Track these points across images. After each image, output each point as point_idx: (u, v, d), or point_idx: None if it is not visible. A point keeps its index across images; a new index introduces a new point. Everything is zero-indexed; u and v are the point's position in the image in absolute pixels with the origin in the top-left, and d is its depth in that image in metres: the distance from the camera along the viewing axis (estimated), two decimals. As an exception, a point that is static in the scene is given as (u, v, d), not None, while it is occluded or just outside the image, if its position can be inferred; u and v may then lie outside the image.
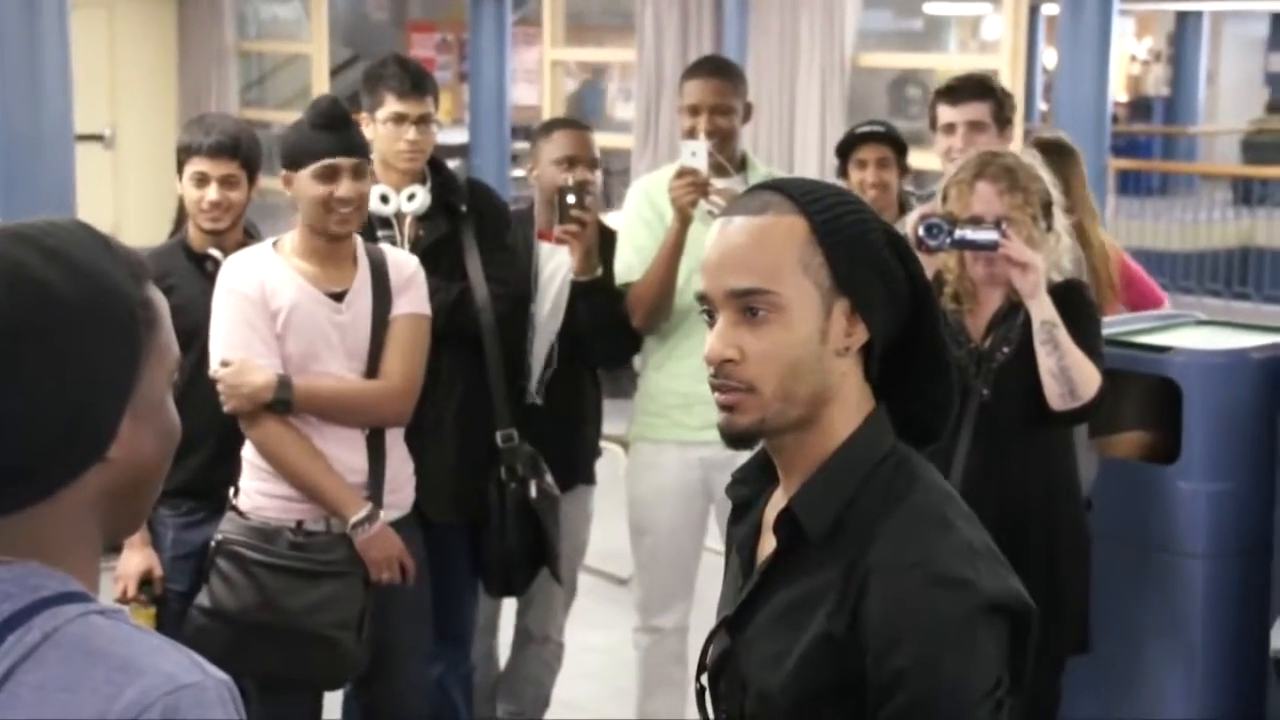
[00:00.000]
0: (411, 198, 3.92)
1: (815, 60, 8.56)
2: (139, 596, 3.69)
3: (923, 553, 1.65)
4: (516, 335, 4.05)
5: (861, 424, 1.74)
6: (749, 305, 1.70)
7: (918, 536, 1.66)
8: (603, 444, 4.61)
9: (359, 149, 3.46)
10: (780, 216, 1.72)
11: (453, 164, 4.79)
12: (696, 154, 3.97)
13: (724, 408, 1.72)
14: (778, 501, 1.78)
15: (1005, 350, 3.46)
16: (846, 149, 4.77)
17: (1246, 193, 15.00)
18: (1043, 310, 3.36)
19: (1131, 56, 20.94)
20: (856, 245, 1.72)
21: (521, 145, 10.95)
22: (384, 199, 3.90)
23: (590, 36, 13.60)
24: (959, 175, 3.49)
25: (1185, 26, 18.75)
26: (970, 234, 3.36)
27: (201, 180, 3.70)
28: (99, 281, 1.34)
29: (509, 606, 4.38)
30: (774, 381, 1.69)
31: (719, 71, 4.28)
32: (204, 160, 3.69)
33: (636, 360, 4.40)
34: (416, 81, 3.90)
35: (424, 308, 3.58)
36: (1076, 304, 3.47)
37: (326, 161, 3.40)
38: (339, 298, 3.48)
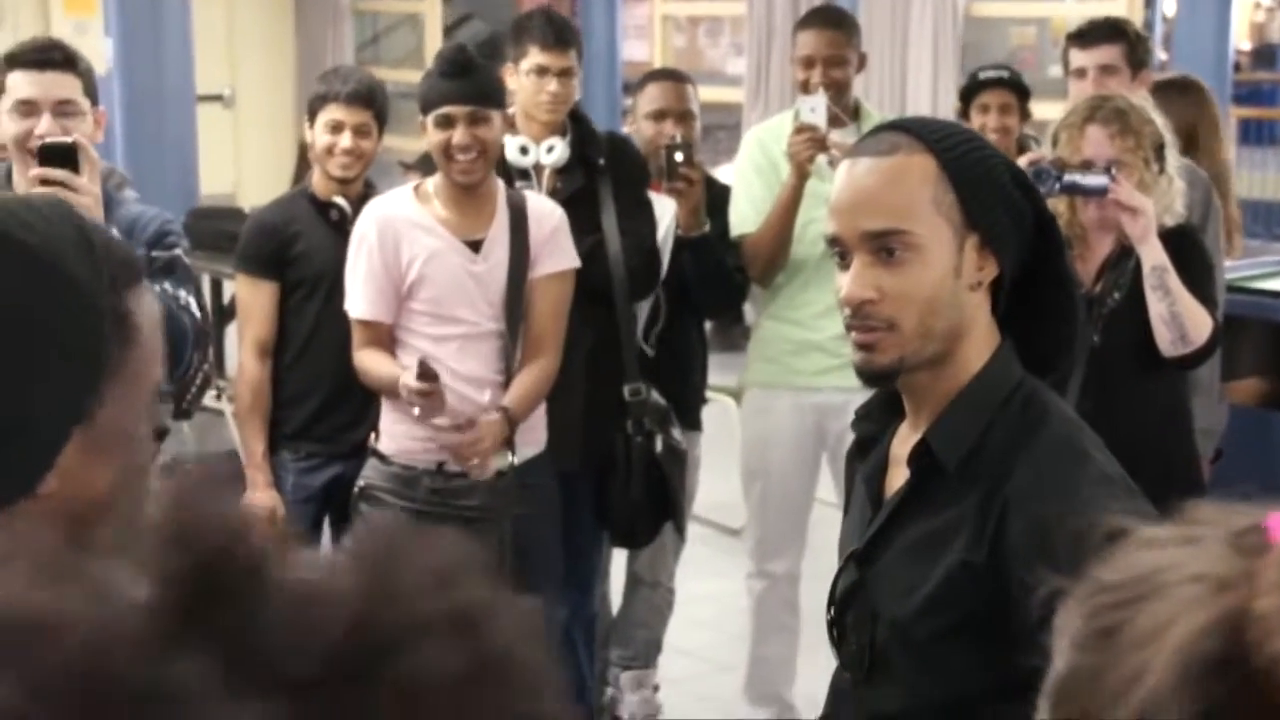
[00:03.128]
0: (550, 150, 3.94)
1: (928, 9, 8.49)
2: (263, 537, 3.79)
3: (1062, 482, 1.67)
4: (647, 290, 4.08)
5: (991, 357, 1.76)
6: (885, 246, 1.72)
7: (1055, 467, 1.69)
8: (712, 394, 4.65)
9: (479, 96, 3.46)
10: (910, 156, 1.73)
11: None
12: (815, 109, 3.97)
13: (862, 347, 1.74)
14: (905, 436, 1.82)
15: (1116, 296, 3.44)
16: (969, 93, 4.82)
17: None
18: (1153, 255, 3.34)
19: (1255, 3, 20.47)
20: (985, 181, 1.74)
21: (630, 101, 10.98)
22: (523, 150, 3.93)
23: (701, -10, 13.55)
24: (1069, 119, 3.46)
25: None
26: (1079, 179, 3.33)
27: (336, 128, 3.77)
28: (58, 282, 1.11)
29: (619, 552, 4.44)
30: (913, 319, 1.72)
31: (833, 22, 4.27)
32: (340, 108, 3.76)
33: (749, 311, 4.43)
34: (560, 34, 3.93)
35: (567, 262, 3.62)
36: (1189, 249, 3.43)
37: (442, 110, 3.45)
38: (476, 246, 3.52)
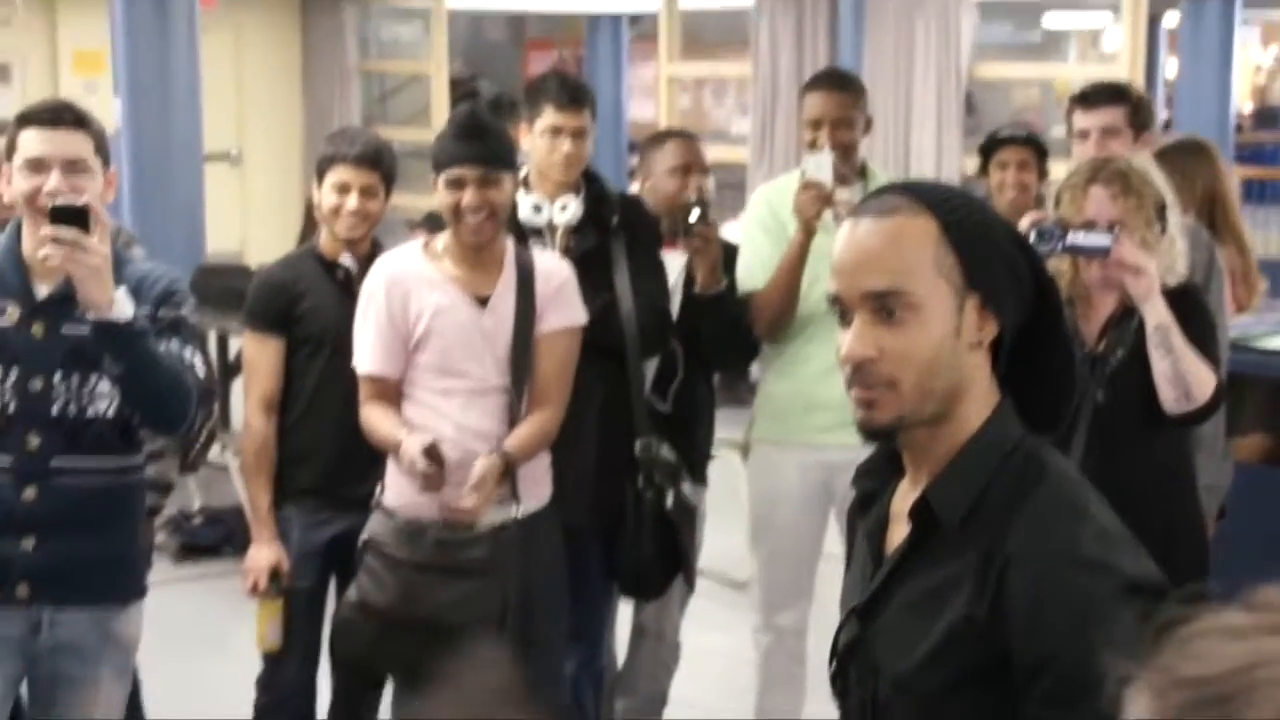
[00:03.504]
0: (564, 209, 3.97)
1: (931, 71, 8.56)
2: (268, 590, 3.80)
3: (1063, 538, 1.69)
4: (658, 348, 4.10)
5: (991, 415, 1.78)
6: (885, 306, 1.74)
7: (1057, 523, 1.70)
8: (716, 448, 4.67)
9: (490, 159, 3.49)
10: (911, 218, 1.76)
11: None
12: (821, 166, 3.99)
13: (863, 404, 1.76)
14: (906, 493, 1.83)
15: (1120, 353, 3.46)
16: (989, 150, 4.90)
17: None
18: (1157, 314, 3.35)
19: (1257, 66, 20.59)
20: (984, 242, 1.77)
21: (636, 161, 11.04)
22: (537, 209, 3.97)
23: (706, 52, 13.66)
24: (1072, 179, 3.49)
25: (1312, 34, 18.43)
26: (1082, 239, 3.35)
27: (343, 189, 3.80)
28: None
29: (625, 604, 4.44)
30: (913, 378, 1.74)
31: (840, 85, 4.30)
32: (347, 169, 3.79)
33: (754, 367, 4.44)
34: (575, 95, 3.97)
35: (575, 318, 3.64)
36: (1191, 307, 3.45)
37: (454, 171, 3.48)
38: (484, 301, 3.54)
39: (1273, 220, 13.95)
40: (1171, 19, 14.74)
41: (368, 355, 3.55)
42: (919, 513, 1.77)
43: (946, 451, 1.77)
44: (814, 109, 4.21)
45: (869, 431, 1.78)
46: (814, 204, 3.97)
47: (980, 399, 1.78)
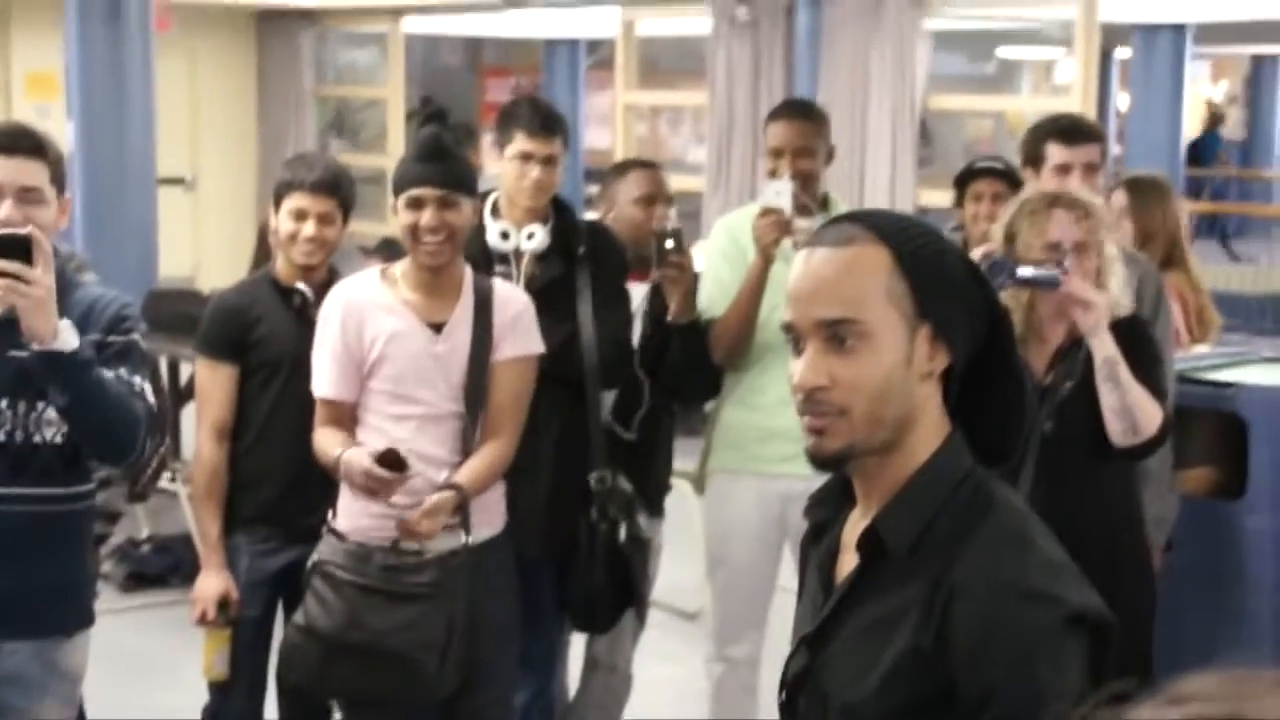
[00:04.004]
0: (530, 236, 3.97)
1: (886, 101, 8.61)
2: (216, 619, 3.78)
3: (1008, 569, 1.71)
4: (618, 379, 4.10)
5: (941, 445, 1.80)
6: (837, 334, 1.76)
7: (1002, 554, 1.72)
8: (672, 479, 4.67)
9: (450, 182, 3.50)
10: (864, 248, 1.78)
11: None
12: (780, 194, 4.01)
13: (813, 432, 1.78)
14: (856, 522, 1.85)
15: (1068, 385, 3.48)
16: (964, 181, 4.95)
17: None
18: (1105, 347, 3.38)
19: (1207, 100, 20.81)
20: (938, 273, 1.79)
21: (595, 189, 11.05)
22: (504, 235, 3.96)
23: (663, 80, 13.70)
24: (1029, 205, 3.50)
25: (1261, 70, 18.66)
26: (1032, 272, 3.36)
27: (300, 215, 3.79)
28: None
29: (578, 635, 4.43)
30: (864, 406, 1.75)
31: (803, 114, 4.32)
32: (305, 196, 3.78)
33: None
34: (546, 122, 3.96)
35: (531, 348, 3.63)
36: (1138, 340, 3.48)
37: (413, 192, 3.49)
38: (439, 328, 3.54)
39: (1220, 252, 14.11)
40: (1124, 52, 14.89)
41: (324, 379, 3.55)
42: (868, 541, 1.78)
43: (896, 480, 1.79)
44: (776, 138, 4.22)
45: (819, 460, 1.79)
46: (772, 231, 3.98)
47: (930, 429, 1.80)
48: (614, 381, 4.06)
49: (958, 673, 1.68)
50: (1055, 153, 3.99)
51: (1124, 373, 3.37)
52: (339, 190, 3.81)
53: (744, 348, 4.16)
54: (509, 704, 3.79)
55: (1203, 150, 18.31)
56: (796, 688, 1.87)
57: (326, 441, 3.51)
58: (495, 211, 3.99)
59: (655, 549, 4.44)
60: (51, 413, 3.09)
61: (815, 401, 1.76)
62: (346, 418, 3.54)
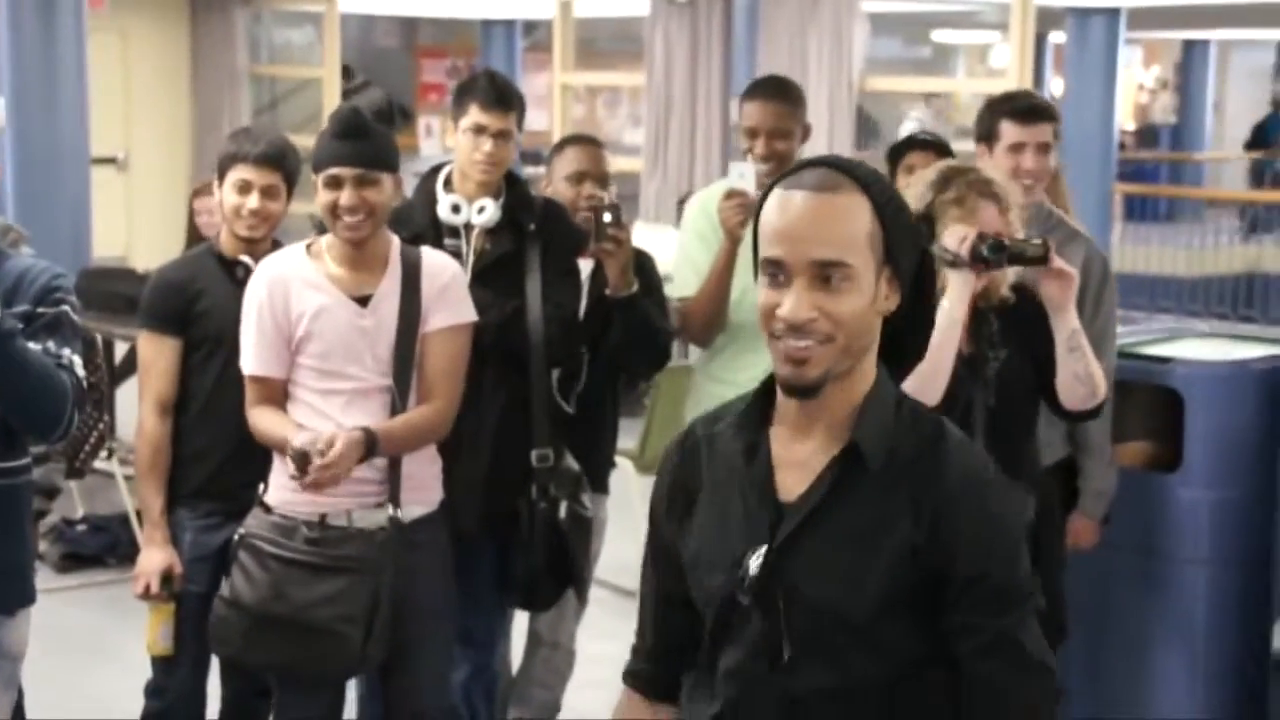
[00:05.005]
0: (481, 210, 3.93)
1: (824, 82, 8.65)
2: (160, 593, 3.76)
3: (988, 477, 2.03)
4: (564, 357, 4.09)
5: (879, 373, 2.03)
6: (825, 274, 1.94)
7: (975, 464, 2.02)
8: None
9: (368, 160, 3.48)
10: (851, 196, 1.96)
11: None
12: (744, 176, 4.00)
13: (794, 361, 1.96)
14: (790, 442, 2.04)
15: (996, 356, 3.51)
16: (897, 154, 4.97)
17: (1253, 219, 15.07)
18: (1071, 319, 3.43)
19: (1139, 85, 21.03)
20: (901, 222, 2.00)
21: (532, 170, 11.04)
22: (455, 209, 3.93)
23: (600, 62, 13.70)
24: (951, 193, 3.49)
25: (1192, 55, 18.86)
26: (1025, 249, 3.37)
27: (244, 188, 3.77)
28: None
29: (521, 612, 4.43)
30: (844, 338, 1.95)
31: (778, 94, 4.26)
32: (249, 168, 3.75)
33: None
34: (501, 96, 3.92)
35: (462, 316, 3.61)
36: (1039, 308, 3.52)
37: (331, 171, 3.47)
38: (366, 301, 3.52)
39: (1153, 236, 14.26)
40: (1058, 36, 15.01)
41: (252, 357, 3.53)
42: (845, 456, 1.98)
43: (845, 405, 2.00)
44: (750, 118, 4.19)
45: (799, 387, 1.97)
46: (737, 213, 3.98)
47: (871, 359, 2.02)
48: (560, 358, 4.05)
49: (953, 562, 1.95)
50: (1010, 131, 3.99)
51: (1083, 340, 3.44)
52: (283, 163, 3.79)
53: (715, 328, 4.17)
54: (444, 683, 3.77)
55: (1268, 132, 18.42)
56: (759, 590, 2.00)
57: (271, 422, 3.50)
58: (448, 185, 3.98)
59: (600, 525, 4.44)
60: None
61: (805, 331, 1.94)
62: (278, 395, 3.53)
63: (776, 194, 1.99)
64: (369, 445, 3.42)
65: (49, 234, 7.35)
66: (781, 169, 4.13)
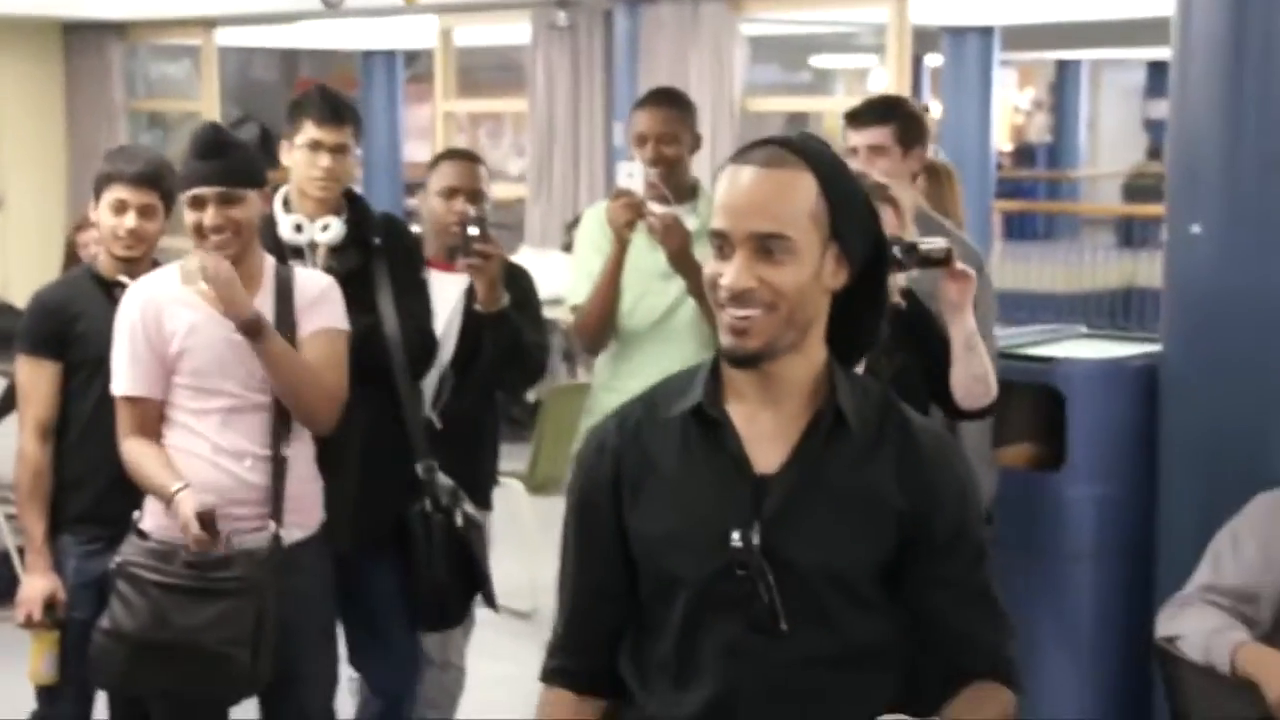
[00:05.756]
0: (325, 228, 3.91)
1: (705, 104, 8.70)
2: (43, 621, 3.69)
3: (949, 438, 2.20)
4: (424, 370, 4.07)
5: (828, 350, 2.09)
6: (766, 246, 2.00)
7: (936, 428, 2.18)
8: (501, 478, 4.64)
9: (231, 177, 3.44)
10: (795, 171, 2.02)
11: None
12: (633, 175, 4.03)
13: (736, 331, 2.02)
14: (751, 416, 2.08)
15: (887, 363, 3.54)
16: None
17: (1128, 235, 15.36)
18: (968, 321, 3.48)
19: (1015, 107, 21.37)
20: (849, 200, 2.06)
21: (414, 203, 11.00)
22: (298, 228, 3.90)
23: (482, 91, 13.69)
24: None
25: (1065, 76, 19.20)
26: (930, 248, 3.40)
27: (120, 208, 3.72)
28: None
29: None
30: (786, 308, 2.01)
31: (667, 101, 4.33)
32: (125, 188, 3.70)
33: (533, 395, 4.42)
34: (335, 110, 3.90)
35: (335, 322, 3.59)
36: (926, 312, 3.57)
37: (194, 191, 3.45)
38: None
39: (1031, 253, 14.47)
40: (934, 60, 15.22)
41: (125, 376, 3.49)
42: (829, 427, 2.05)
43: (803, 379, 2.06)
44: (640, 124, 4.24)
45: (740, 356, 2.02)
46: (625, 213, 3.99)
47: (819, 335, 2.08)
48: (421, 372, 4.03)
49: (930, 520, 2.06)
50: (848, 136, 4.07)
51: (980, 340, 3.49)
52: (160, 183, 3.74)
53: (606, 334, 4.17)
54: (329, 705, 3.75)
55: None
56: (756, 563, 2.03)
57: (149, 465, 3.45)
58: (287, 205, 3.94)
59: (486, 540, 4.42)
60: None
61: (745, 300, 2.00)
62: (151, 418, 3.49)
63: (727, 169, 2.05)
64: (256, 320, 3.39)
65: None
66: (671, 175, 4.18)
